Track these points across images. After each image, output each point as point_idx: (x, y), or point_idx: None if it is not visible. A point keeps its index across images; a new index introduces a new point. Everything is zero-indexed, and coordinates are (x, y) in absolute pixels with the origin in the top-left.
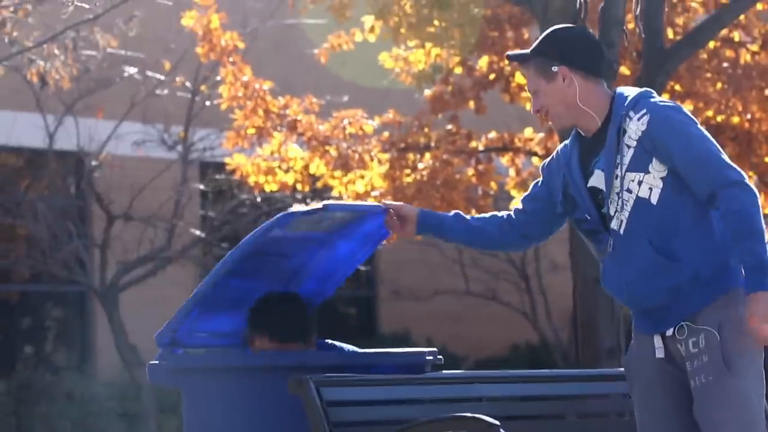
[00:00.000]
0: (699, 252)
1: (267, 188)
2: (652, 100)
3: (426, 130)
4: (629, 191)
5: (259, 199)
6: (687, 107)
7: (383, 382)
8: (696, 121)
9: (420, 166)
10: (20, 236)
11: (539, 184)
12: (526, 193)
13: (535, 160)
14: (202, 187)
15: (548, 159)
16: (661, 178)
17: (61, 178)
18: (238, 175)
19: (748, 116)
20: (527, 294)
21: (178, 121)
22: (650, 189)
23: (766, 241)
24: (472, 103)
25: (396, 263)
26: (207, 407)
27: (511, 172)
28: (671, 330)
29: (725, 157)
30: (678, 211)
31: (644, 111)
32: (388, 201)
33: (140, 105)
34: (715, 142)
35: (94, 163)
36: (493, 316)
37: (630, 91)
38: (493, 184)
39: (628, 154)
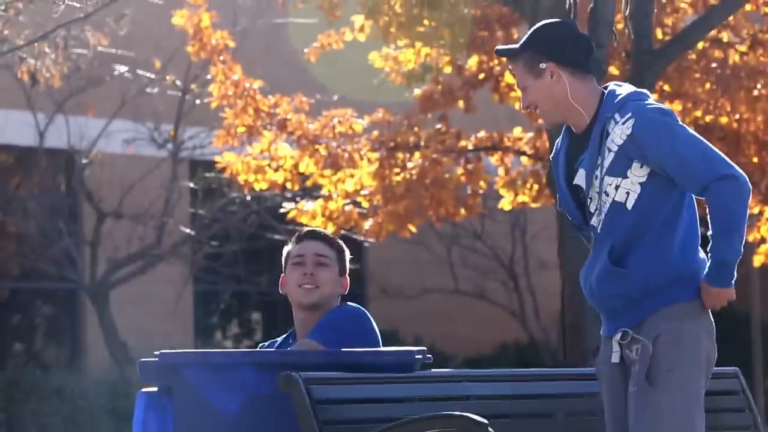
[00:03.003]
0: (651, 263)
1: (257, 187)
2: (638, 102)
3: (415, 129)
4: (606, 194)
5: (248, 198)
6: (676, 108)
7: (372, 381)
8: (680, 122)
9: (409, 165)
10: (10, 233)
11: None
12: None
13: (524, 159)
14: (192, 185)
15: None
16: (640, 184)
17: (51, 176)
18: (227, 174)
19: (737, 116)
20: (516, 293)
21: (168, 120)
22: (627, 193)
23: (741, 237)
24: (461, 103)
25: (384, 262)
26: (196, 405)
27: (501, 171)
28: (618, 335)
29: (717, 152)
30: (650, 220)
31: (629, 115)
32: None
33: (130, 103)
34: (705, 141)
35: (84, 160)
36: (482, 315)
37: (620, 90)
38: (482, 184)
39: (609, 158)
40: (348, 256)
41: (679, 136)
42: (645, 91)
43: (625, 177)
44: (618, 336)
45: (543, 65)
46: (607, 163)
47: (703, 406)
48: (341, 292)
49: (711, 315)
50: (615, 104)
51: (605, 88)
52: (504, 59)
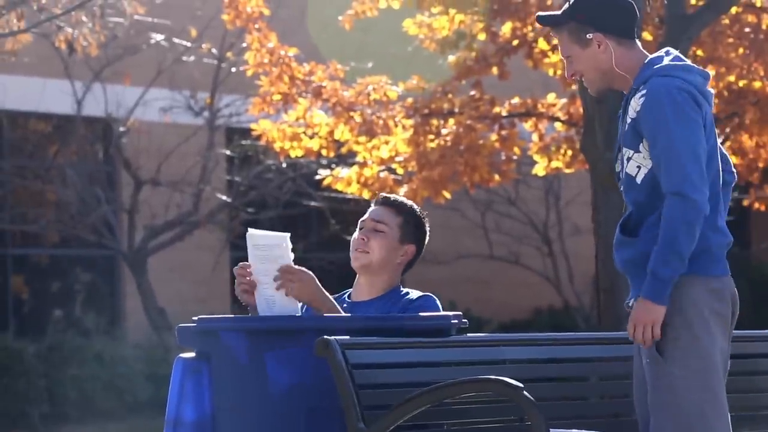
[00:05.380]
0: (656, 237)
1: (292, 154)
2: (661, 79)
3: (449, 96)
4: (622, 164)
5: (284, 165)
6: (709, 72)
7: (408, 345)
8: (690, 113)
9: (444, 131)
10: (49, 201)
11: None
12: None
13: (558, 125)
14: (228, 152)
15: None
16: (651, 159)
17: (89, 144)
18: (263, 141)
19: None
20: (550, 258)
21: (204, 88)
22: (638, 168)
23: (679, 256)
24: (495, 69)
25: None
26: (234, 370)
27: (534, 137)
28: (632, 302)
29: (695, 165)
30: (656, 197)
31: (645, 91)
32: (409, 170)
33: (167, 71)
34: (695, 142)
35: (121, 129)
36: (516, 280)
37: (658, 61)
38: (516, 150)
39: (626, 129)
40: (421, 224)
41: (668, 133)
42: (685, 62)
43: (638, 151)
44: (631, 303)
45: (590, 35)
46: (624, 133)
47: (719, 369)
48: (402, 259)
49: (726, 277)
50: (645, 75)
51: (648, 56)
52: (539, 26)
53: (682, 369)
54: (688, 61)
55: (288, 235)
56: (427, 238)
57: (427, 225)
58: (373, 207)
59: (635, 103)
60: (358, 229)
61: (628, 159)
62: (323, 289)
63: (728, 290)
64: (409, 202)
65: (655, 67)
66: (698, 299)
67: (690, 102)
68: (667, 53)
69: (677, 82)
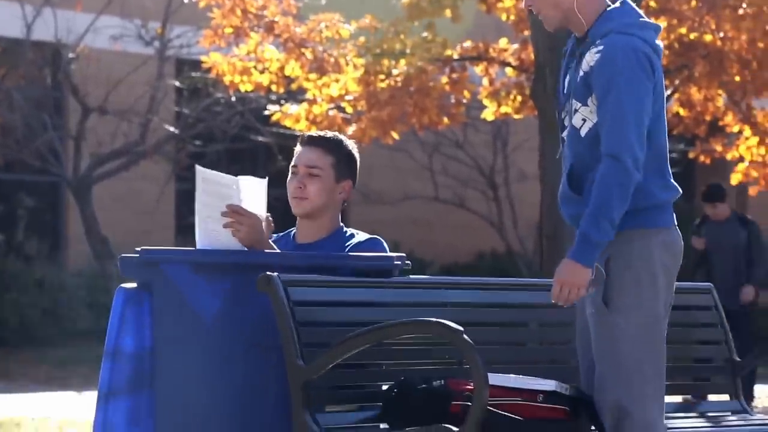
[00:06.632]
0: None
1: (242, 88)
2: (618, 36)
3: (402, 36)
4: (570, 114)
5: (233, 99)
6: (660, 23)
7: (351, 284)
8: (648, 74)
9: (394, 72)
10: None
11: None
12: None
13: (508, 70)
14: (177, 84)
15: None
16: (597, 115)
17: (37, 69)
18: (213, 74)
19: (721, 34)
20: (495, 202)
21: (155, 17)
22: (583, 120)
23: (610, 220)
24: (448, 12)
25: (366, 168)
26: (175, 302)
27: (485, 81)
28: None
29: (635, 130)
30: (599, 151)
31: (601, 48)
32: (356, 109)
33: None
34: (641, 108)
35: (71, 55)
36: (461, 223)
37: (618, 15)
38: (466, 93)
39: (578, 82)
40: (352, 157)
41: (618, 94)
42: (642, 17)
43: (585, 104)
44: None
45: None
46: (575, 85)
47: (661, 323)
48: (341, 196)
49: (675, 230)
50: (603, 29)
51: (609, 4)
52: None
53: (626, 320)
54: (642, 13)
55: (238, 179)
56: (359, 164)
57: (355, 152)
58: (300, 148)
59: (590, 57)
60: (291, 173)
61: (575, 111)
62: (267, 238)
63: (677, 244)
64: (335, 136)
65: (614, 22)
66: (650, 253)
67: (645, 65)
68: (623, 4)
69: (635, 42)
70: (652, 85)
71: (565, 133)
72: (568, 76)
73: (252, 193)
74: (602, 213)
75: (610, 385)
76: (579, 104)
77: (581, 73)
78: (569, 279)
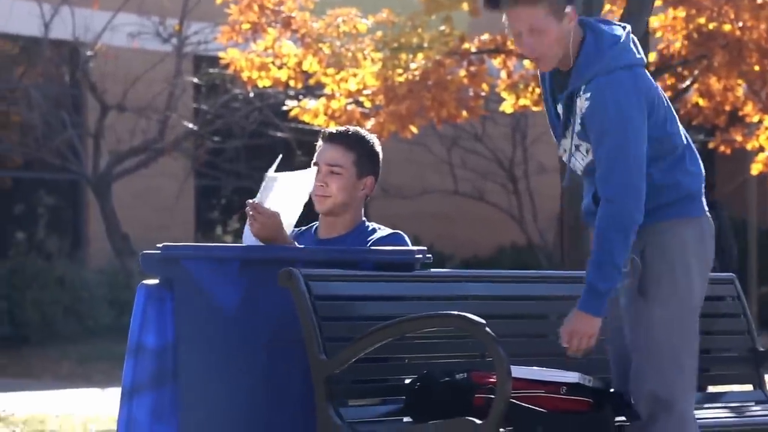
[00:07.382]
0: None
1: (260, 84)
2: (604, 79)
3: (419, 30)
4: (578, 149)
5: (251, 95)
6: (679, 14)
7: (372, 279)
8: (641, 110)
9: (412, 66)
10: (14, 123)
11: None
12: None
13: (526, 63)
14: (195, 80)
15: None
16: (594, 157)
17: (55, 67)
18: (231, 70)
19: (740, 24)
20: (515, 195)
21: (173, 14)
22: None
23: (615, 266)
24: (465, 5)
25: (385, 162)
26: (196, 298)
27: (503, 74)
28: None
29: (629, 170)
30: None
31: (589, 94)
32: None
33: None
34: (636, 148)
35: (88, 53)
36: (481, 217)
37: (595, 51)
38: (484, 86)
39: (576, 122)
40: (374, 153)
41: (611, 140)
42: (617, 44)
43: (590, 143)
44: None
45: (568, 9)
46: (575, 126)
47: (696, 312)
48: (363, 192)
49: (706, 218)
50: (587, 74)
51: (584, 27)
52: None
53: (662, 310)
54: (614, 26)
55: (276, 175)
56: (381, 158)
57: (377, 147)
58: (321, 145)
59: (581, 104)
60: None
61: (587, 151)
62: (286, 234)
63: (710, 232)
64: (357, 132)
65: (596, 65)
66: (683, 243)
67: (634, 99)
68: (594, 30)
69: (620, 78)
70: (646, 113)
71: (572, 164)
72: (560, 108)
73: (293, 187)
74: (606, 261)
75: (646, 375)
76: (586, 144)
77: (577, 119)
78: (579, 329)
